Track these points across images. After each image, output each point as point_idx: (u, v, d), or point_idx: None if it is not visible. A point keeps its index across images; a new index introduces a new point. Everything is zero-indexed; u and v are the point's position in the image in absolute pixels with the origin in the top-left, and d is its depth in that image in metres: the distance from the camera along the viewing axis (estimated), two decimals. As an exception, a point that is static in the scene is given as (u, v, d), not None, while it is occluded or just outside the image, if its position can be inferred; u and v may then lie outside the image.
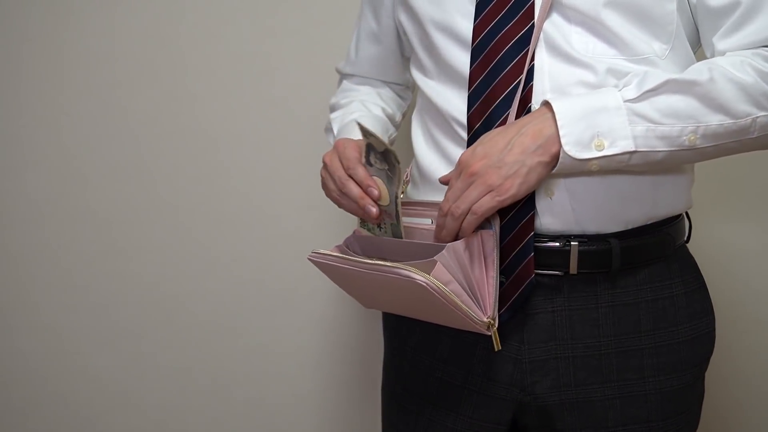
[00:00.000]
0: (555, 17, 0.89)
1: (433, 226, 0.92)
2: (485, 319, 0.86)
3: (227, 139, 1.60)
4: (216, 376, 1.65)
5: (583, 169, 0.83)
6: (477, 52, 0.92)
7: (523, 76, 0.88)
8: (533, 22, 0.89)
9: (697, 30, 0.94)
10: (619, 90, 0.83)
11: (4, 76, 1.56)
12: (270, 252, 1.62)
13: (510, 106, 0.89)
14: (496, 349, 0.87)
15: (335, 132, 1.13)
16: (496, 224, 0.88)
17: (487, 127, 0.90)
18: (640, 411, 0.94)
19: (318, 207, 1.57)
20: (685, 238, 1.01)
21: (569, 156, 0.82)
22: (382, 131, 1.12)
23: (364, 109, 1.15)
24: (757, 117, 0.84)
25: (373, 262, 0.87)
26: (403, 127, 1.26)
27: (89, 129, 1.58)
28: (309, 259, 0.96)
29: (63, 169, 1.59)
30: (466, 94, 0.93)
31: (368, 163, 0.94)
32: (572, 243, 0.89)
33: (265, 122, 1.58)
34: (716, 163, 1.12)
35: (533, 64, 0.89)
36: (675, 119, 0.82)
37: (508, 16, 0.91)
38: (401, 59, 1.19)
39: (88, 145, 1.58)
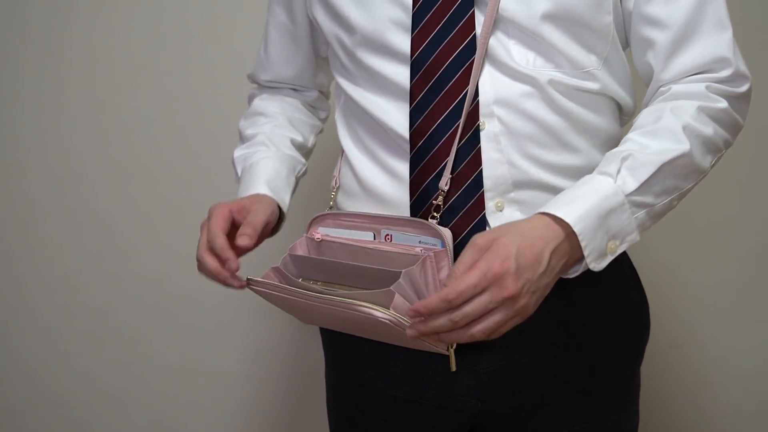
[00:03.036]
0: (497, 31, 0.87)
1: (377, 244, 0.89)
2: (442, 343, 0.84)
3: (227, 138, 1.59)
4: (216, 376, 1.65)
5: None
6: (417, 65, 0.89)
7: (469, 90, 0.86)
8: (474, 34, 0.87)
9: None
10: (614, 181, 0.81)
11: (4, 76, 1.56)
12: (270, 252, 1.62)
13: (456, 123, 0.87)
14: (452, 369, 0.86)
15: (238, 173, 1.08)
16: (449, 241, 0.86)
17: (430, 144, 0.88)
18: (594, 407, 0.95)
19: (318, 206, 1.57)
20: None
21: (590, 268, 0.81)
22: (286, 172, 1.05)
23: (270, 147, 1.07)
24: (713, 161, 0.89)
25: (326, 296, 0.83)
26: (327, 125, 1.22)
27: (89, 129, 1.58)
28: (248, 287, 0.91)
29: (63, 169, 1.59)
30: (407, 108, 0.90)
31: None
32: None
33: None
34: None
35: (478, 79, 0.87)
36: (665, 195, 0.85)
37: (447, 28, 0.88)
38: (315, 60, 1.12)
39: (89, 145, 1.59)
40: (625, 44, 0.94)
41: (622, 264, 0.99)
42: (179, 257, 1.61)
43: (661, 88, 0.90)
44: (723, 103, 0.87)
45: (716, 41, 0.87)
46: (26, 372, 1.64)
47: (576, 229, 0.79)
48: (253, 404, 1.67)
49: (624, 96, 0.94)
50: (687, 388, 1.65)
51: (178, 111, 1.58)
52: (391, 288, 0.80)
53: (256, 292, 0.92)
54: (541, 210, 0.81)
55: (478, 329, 0.77)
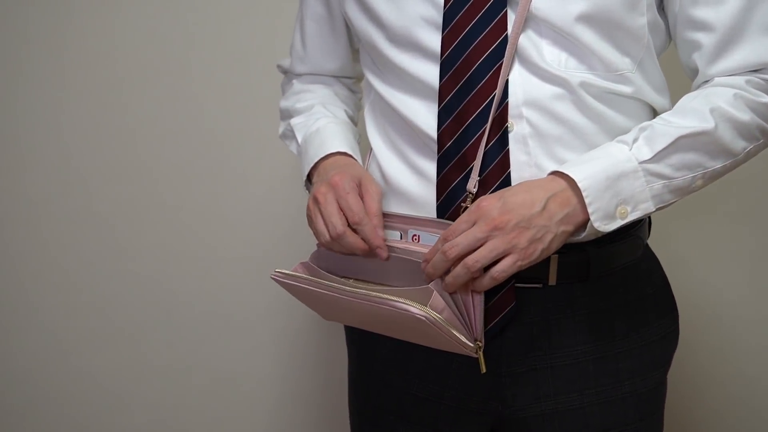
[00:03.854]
0: (529, 30, 0.86)
1: (405, 244, 0.88)
2: (473, 344, 0.84)
3: (227, 138, 1.60)
4: (216, 375, 1.65)
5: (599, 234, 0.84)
6: (447, 65, 0.88)
7: (498, 91, 0.85)
8: (506, 35, 0.86)
9: (666, 43, 0.94)
10: (629, 148, 0.83)
11: (4, 76, 1.56)
12: (270, 252, 1.62)
13: (484, 125, 0.86)
14: (482, 371, 0.85)
15: (299, 140, 1.04)
16: None
17: (458, 146, 0.87)
18: (617, 415, 0.93)
19: None
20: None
21: (596, 228, 0.82)
22: (353, 137, 1.03)
23: (329, 114, 1.05)
24: (749, 148, 0.88)
25: (362, 291, 0.83)
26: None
27: (89, 129, 1.58)
28: (273, 279, 0.90)
29: (62, 169, 1.58)
30: (435, 108, 0.89)
31: None
32: (552, 255, 0.87)
33: (265, 122, 1.57)
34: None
35: (507, 80, 0.86)
36: (687, 170, 0.84)
37: (479, 27, 0.86)
38: (351, 50, 1.11)
39: (88, 145, 1.58)
40: (660, 50, 0.93)
41: (653, 270, 0.98)
42: (178, 258, 1.61)
43: (705, 82, 0.90)
44: (764, 98, 0.86)
45: (763, 45, 0.87)
46: (25, 373, 1.63)
47: (580, 185, 0.80)
48: (253, 404, 1.67)
49: (659, 100, 0.93)
50: (693, 387, 1.65)
51: (177, 112, 1.58)
52: (429, 285, 0.80)
53: (282, 285, 0.91)
54: (550, 171, 0.83)
55: (472, 257, 0.80)
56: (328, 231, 0.89)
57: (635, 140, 0.83)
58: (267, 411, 1.68)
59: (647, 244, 1.00)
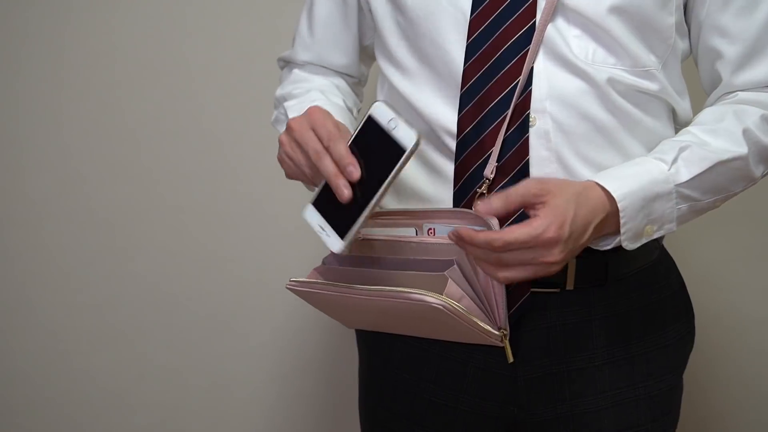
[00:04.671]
0: (558, 19, 0.85)
1: (421, 237, 0.86)
2: (497, 331, 0.83)
3: (227, 138, 1.59)
4: (216, 376, 1.65)
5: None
6: (473, 48, 0.86)
7: (522, 78, 0.84)
8: (534, 21, 0.85)
9: (688, 50, 0.94)
10: (668, 167, 0.82)
11: (3, 76, 1.56)
12: (270, 252, 1.62)
13: (505, 111, 0.85)
14: (510, 360, 0.84)
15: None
16: (497, 229, 0.81)
17: (478, 132, 0.86)
18: (631, 417, 0.93)
19: None
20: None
21: (622, 246, 0.82)
22: (348, 125, 0.95)
23: (325, 99, 1.00)
24: (765, 172, 0.89)
25: (375, 288, 0.81)
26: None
27: (89, 129, 1.58)
28: (288, 288, 0.88)
29: (62, 169, 1.58)
30: (456, 96, 0.87)
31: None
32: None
33: (265, 122, 1.56)
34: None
35: (532, 68, 0.85)
36: (712, 194, 0.85)
37: (508, 13, 0.85)
38: (359, 47, 1.06)
39: (88, 145, 1.58)
40: (684, 55, 0.93)
41: (669, 272, 0.98)
42: (178, 258, 1.61)
43: (728, 93, 0.90)
44: None
45: None
46: (25, 373, 1.62)
47: (620, 206, 0.79)
48: (253, 405, 1.67)
49: (680, 102, 0.93)
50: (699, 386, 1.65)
51: (177, 112, 1.58)
52: (444, 273, 0.79)
53: (298, 293, 0.89)
54: (593, 179, 0.81)
55: (504, 275, 0.77)
56: (306, 157, 0.82)
57: (675, 161, 0.83)
58: (266, 411, 1.67)
59: (663, 246, 0.99)
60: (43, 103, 1.57)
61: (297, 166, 0.85)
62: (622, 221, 0.80)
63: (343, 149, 0.78)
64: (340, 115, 0.94)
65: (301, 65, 1.08)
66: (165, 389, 1.65)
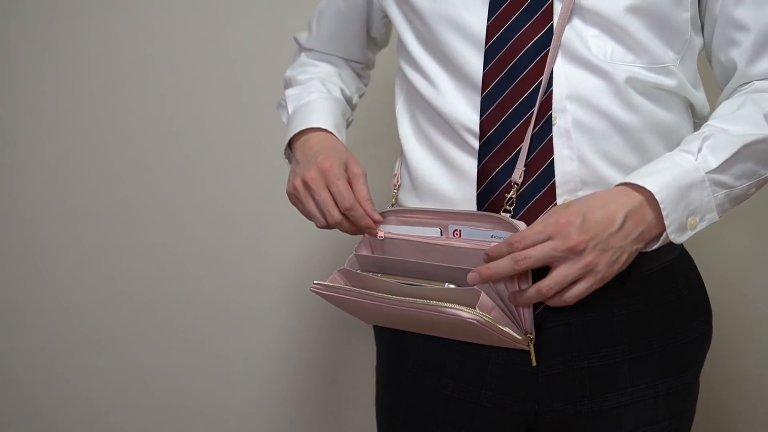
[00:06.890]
0: (575, 21, 0.87)
1: (447, 240, 0.87)
2: (523, 337, 0.84)
3: (227, 139, 1.60)
4: (216, 375, 1.65)
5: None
6: (491, 53, 0.88)
7: (543, 80, 0.86)
8: (552, 24, 0.86)
9: (702, 44, 0.95)
10: (695, 158, 0.83)
11: (3, 76, 1.56)
12: (270, 252, 1.62)
13: (527, 113, 0.86)
14: (533, 364, 0.86)
15: (290, 111, 1.06)
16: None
17: (501, 134, 0.87)
18: (650, 414, 0.94)
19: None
20: None
21: (670, 240, 0.82)
22: (341, 115, 1.06)
23: (324, 89, 1.08)
24: None
25: (408, 299, 0.82)
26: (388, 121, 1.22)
27: (89, 129, 1.58)
28: (312, 291, 0.91)
29: (63, 169, 1.59)
30: (477, 98, 0.89)
31: None
32: None
33: (264, 122, 1.58)
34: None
35: (552, 69, 0.86)
36: (745, 179, 0.85)
37: (525, 17, 0.87)
38: (366, 39, 1.14)
39: (89, 144, 1.58)
40: (699, 49, 0.94)
41: (689, 271, 0.99)
42: (181, 257, 1.62)
43: (743, 84, 0.91)
44: None
45: None
46: (25, 373, 1.63)
47: (658, 197, 0.80)
48: (253, 404, 1.67)
49: (698, 96, 0.94)
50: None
51: (177, 112, 1.59)
52: (476, 287, 0.80)
53: (322, 296, 0.90)
54: (621, 182, 0.83)
55: (545, 284, 0.79)
56: (325, 218, 0.93)
57: (700, 150, 0.83)
58: (267, 411, 1.68)
59: (682, 244, 0.99)
60: (44, 102, 1.57)
61: (312, 218, 0.95)
62: (664, 213, 0.80)
63: (360, 217, 0.92)
64: (337, 108, 1.05)
65: (309, 50, 1.17)
66: (165, 389, 1.65)
